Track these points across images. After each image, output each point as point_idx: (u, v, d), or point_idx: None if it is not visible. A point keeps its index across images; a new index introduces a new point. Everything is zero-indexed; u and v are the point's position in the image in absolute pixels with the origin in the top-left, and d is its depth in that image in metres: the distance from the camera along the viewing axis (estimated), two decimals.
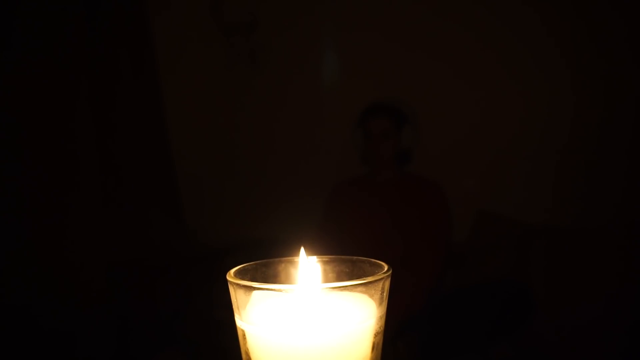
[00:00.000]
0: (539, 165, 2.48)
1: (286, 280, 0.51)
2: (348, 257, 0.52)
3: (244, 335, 0.46)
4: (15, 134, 2.02)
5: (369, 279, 0.45)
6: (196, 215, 2.71)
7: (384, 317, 0.47)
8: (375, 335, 0.46)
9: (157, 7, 2.62)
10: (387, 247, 2.03)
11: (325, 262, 0.52)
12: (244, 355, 0.46)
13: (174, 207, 2.64)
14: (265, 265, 0.51)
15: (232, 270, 0.48)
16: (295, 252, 0.51)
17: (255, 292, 0.45)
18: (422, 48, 2.58)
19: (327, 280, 0.51)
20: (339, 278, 0.51)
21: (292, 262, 0.51)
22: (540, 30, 2.46)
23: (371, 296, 0.46)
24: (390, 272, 0.47)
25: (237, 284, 0.45)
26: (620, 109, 2.38)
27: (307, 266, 0.50)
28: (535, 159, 2.48)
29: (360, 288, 0.45)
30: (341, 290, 0.44)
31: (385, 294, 0.46)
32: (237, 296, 0.46)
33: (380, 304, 0.46)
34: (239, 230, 2.62)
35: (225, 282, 0.47)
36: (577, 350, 1.98)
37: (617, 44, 2.37)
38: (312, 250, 0.52)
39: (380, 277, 0.45)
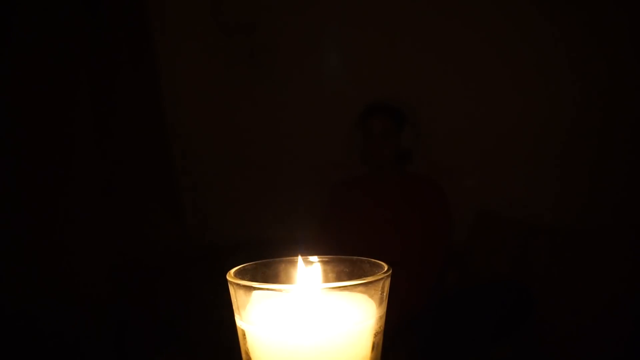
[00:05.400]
0: (539, 165, 2.48)
1: (286, 280, 0.51)
2: (348, 257, 0.52)
3: (244, 335, 0.46)
4: (14, 133, 2.02)
5: (369, 279, 0.45)
6: (196, 215, 2.71)
7: (384, 317, 0.47)
8: (375, 335, 0.46)
9: (157, 5, 2.62)
10: (387, 246, 2.03)
11: (325, 262, 0.52)
12: (244, 355, 0.46)
13: (174, 207, 2.64)
14: (265, 265, 0.51)
15: (232, 270, 0.48)
16: (295, 253, 0.51)
17: (255, 292, 0.45)
18: (423, 48, 2.58)
19: (327, 280, 0.51)
20: (339, 278, 0.51)
21: (292, 262, 0.51)
22: (541, 29, 2.45)
23: (371, 296, 0.46)
24: (390, 272, 0.47)
25: (237, 284, 0.45)
26: (623, 108, 2.38)
27: (307, 266, 0.50)
28: (536, 159, 2.48)
29: (360, 288, 0.45)
30: (341, 290, 0.44)
31: (385, 294, 0.46)
32: (237, 296, 0.46)
33: (380, 304, 0.46)
34: (239, 230, 2.62)
35: (225, 282, 0.47)
36: (577, 351, 1.98)
37: (620, 41, 2.36)
38: (311, 251, 0.52)
39: (380, 277, 0.46)
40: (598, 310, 1.96)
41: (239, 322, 0.46)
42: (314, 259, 0.52)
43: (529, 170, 2.48)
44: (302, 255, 0.51)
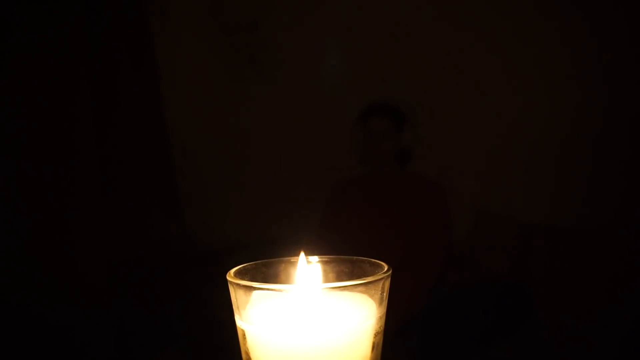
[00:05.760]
0: (539, 165, 2.48)
1: (286, 281, 0.51)
2: (348, 257, 0.52)
3: (244, 335, 0.46)
4: (14, 133, 2.02)
5: (369, 279, 0.45)
6: (196, 215, 2.71)
7: (384, 317, 0.47)
8: (375, 335, 0.46)
9: (157, 5, 2.62)
10: (387, 246, 2.03)
11: (325, 262, 0.52)
12: (244, 355, 0.46)
13: (174, 207, 2.64)
14: (265, 265, 0.51)
15: (232, 270, 0.48)
16: (295, 253, 0.51)
17: (255, 292, 0.45)
18: (423, 47, 2.58)
19: (327, 280, 0.51)
20: (339, 278, 0.51)
21: (292, 262, 0.51)
22: (540, 31, 2.45)
23: (371, 296, 0.46)
24: (390, 272, 0.47)
25: (237, 284, 0.45)
26: (622, 109, 2.38)
27: (307, 266, 0.50)
28: (536, 159, 2.48)
29: (360, 288, 0.45)
30: (341, 290, 0.44)
31: (385, 294, 0.46)
32: (237, 296, 0.46)
33: (380, 304, 0.46)
34: (238, 230, 2.62)
35: (225, 282, 0.47)
36: (577, 351, 1.98)
37: (619, 42, 2.36)
38: (312, 251, 0.52)
39: (380, 277, 0.45)
40: (598, 310, 1.96)
41: (239, 322, 0.46)
42: (314, 259, 0.52)
43: (529, 170, 2.48)
44: (304, 254, 0.51)
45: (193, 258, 2.45)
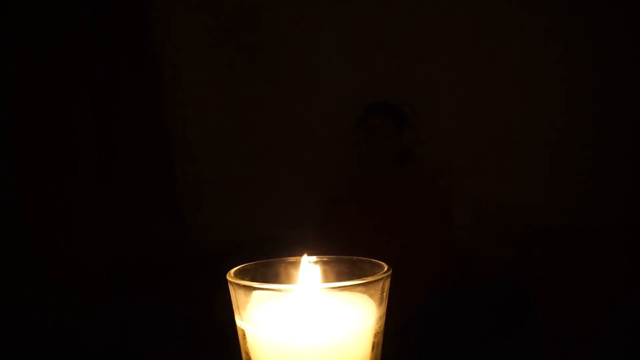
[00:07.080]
0: (539, 165, 2.48)
1: (286, 280, 0.51)
2: (348, 257, 0.52)
3: (244, 335, 0.46)
4: (15, 134, 2.02)
5: (369, 279, 0.45)
6: (197, 215, 2.71)
7: (384, 317, 0.47)
8: (375, 335, 0.46)
9: (158, 5, 2.62)
10: (387, 246, 2.03)
11: (325, 262, 0.52)
12: (244, 355, 0.46)
13: (174, 207, 2.64)
14: (265, 265, 0.51)
15: (232, 270, 0.48)
16: (295, 253, 0.51)
17: (255, 292, 0.45)
18: (423, 47, 2.58)
19: (327, 280, 0.51)
20: (339, 278, 0.51)
21: (292, 262, 0.51)
22: (538, 30, 2.45)
23: (371, 296, 0.46)
24: (390, 272, 0.47)
25: (237, 284, 0.45)
26: (623, 107, 2.38)
27: (307, 266, 0.50)
28: (536, 159, 2.48)
29: (360, 288, 0.45)
30: (341, 290, 0.44)
31: (385, 294, 0.46)
32: (237, 296, 0.46)
33: (380, 304, 0.46)
34: (239, 230, 2.62)
35: (226, 282, 0.47)
36: (577, 351, 1.98)
37: (615, 42, 2.36)
38: (313, 251, 0.52)
39: (380, 277, 0.46)
40: (597, 310, 1.96)
41: (239, 322, 0.46)
42: (314, 258, 0.52)
43: (528, 170, 2.48)
44: (307, 255, 0.51)
45: (193, 258, 2.45)
